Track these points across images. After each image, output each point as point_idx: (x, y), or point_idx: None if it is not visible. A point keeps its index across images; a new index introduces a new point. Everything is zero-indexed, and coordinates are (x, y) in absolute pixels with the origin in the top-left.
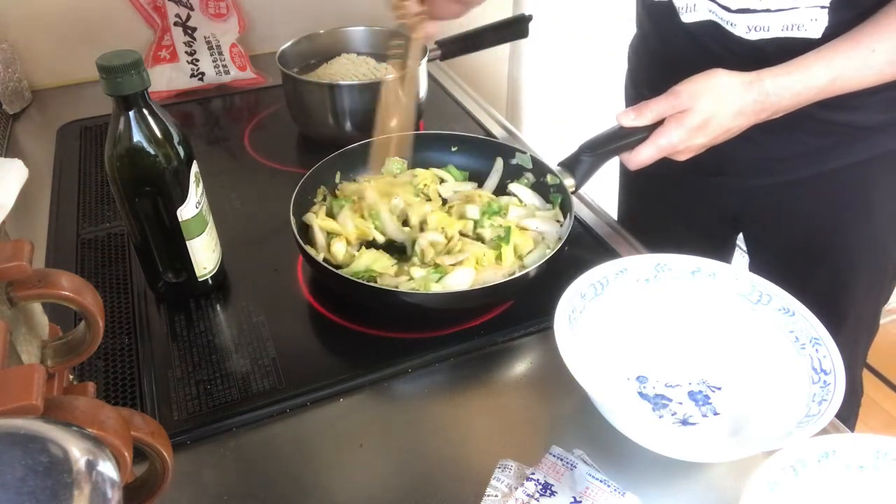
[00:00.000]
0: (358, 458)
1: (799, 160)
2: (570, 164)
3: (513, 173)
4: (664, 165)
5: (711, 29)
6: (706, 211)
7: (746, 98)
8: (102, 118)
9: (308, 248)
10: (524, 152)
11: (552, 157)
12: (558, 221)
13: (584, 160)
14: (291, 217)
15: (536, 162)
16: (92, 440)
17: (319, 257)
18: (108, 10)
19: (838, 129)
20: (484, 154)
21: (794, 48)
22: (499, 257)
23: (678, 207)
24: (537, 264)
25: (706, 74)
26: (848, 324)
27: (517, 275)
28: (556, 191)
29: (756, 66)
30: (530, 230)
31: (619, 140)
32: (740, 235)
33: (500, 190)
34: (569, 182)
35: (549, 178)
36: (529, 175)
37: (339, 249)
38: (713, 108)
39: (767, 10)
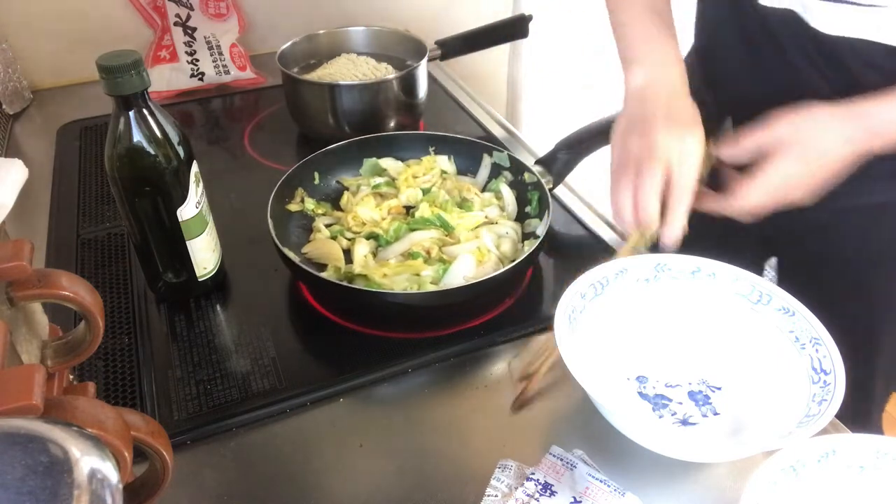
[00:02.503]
0: (358, 458)
1: (849, 187)
2: (548, 162)
3: (491, 172)
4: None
5: (789, 19)
6: (740, 229)
7: (853, 126)
8: (102, 118)
9: (286, 250)
10: (502, 150)
11: None
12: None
13: (561, 158)
14: (269, 220)
15: (514, 160)
16: (92, 440)
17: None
18: (108, 10)
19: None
20: (463, 153)
21: (873, 54)
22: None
23: (710, 224)
24: (517, 261)
25: (804, 109)
26: (880, 363)
27: (493, 273)
28: (533, 188)
29: (830, 70)
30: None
31: (594, 137)
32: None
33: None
34: (546, 179)
35: (526, 175)
36: (507, 173)
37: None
38: (822, 138)
39: (855, 4)
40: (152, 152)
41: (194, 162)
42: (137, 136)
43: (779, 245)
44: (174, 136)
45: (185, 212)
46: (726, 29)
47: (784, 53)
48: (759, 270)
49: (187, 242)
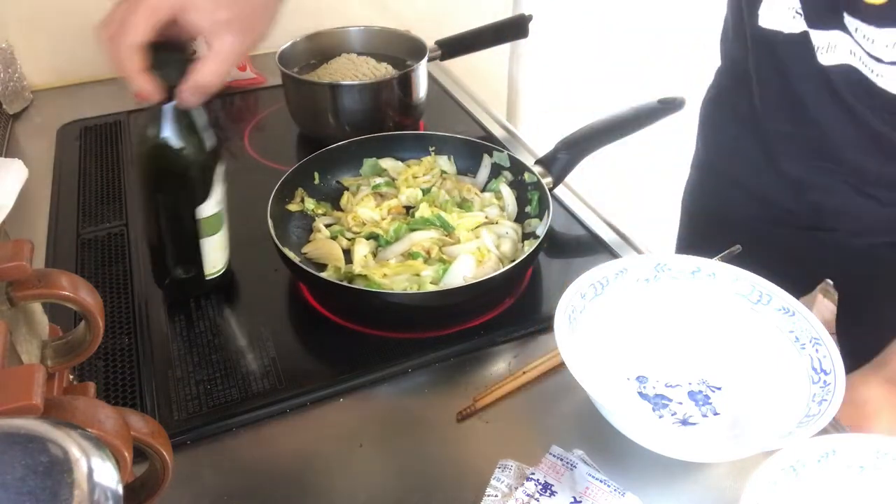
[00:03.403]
0: (358, 458)
1: None
2: (548, 162)
3: (491, 172)
4: (753, 216)
5: (849, 75)
6: (794, 262)
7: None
8: (102, 118)
9: (286, 250)
10: (502, 150)
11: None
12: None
13: (561, 158)
14: (269, 220)
15: (514, 160)
16: (92, 440)
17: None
18: (108, 11)
19: None
20: (463, 153)
21: None
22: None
23: (761, 256)
24: (517, 261)
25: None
26: None
27: (493, 273)
28: (533, 189)
29: (892, 120)
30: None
31: (594, 137)
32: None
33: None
34: (546, 180)
35: (526, 175)
36: (507, 173)
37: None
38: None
39: None
40: (185, 146)
41: (221, 160)
42: (173, 129)
43: (831, 267)
44: (208, 133)
45: (206, 209)
46: (773, 81)
47: (843, 104)
48: (811, 288)
49: (202, 240)
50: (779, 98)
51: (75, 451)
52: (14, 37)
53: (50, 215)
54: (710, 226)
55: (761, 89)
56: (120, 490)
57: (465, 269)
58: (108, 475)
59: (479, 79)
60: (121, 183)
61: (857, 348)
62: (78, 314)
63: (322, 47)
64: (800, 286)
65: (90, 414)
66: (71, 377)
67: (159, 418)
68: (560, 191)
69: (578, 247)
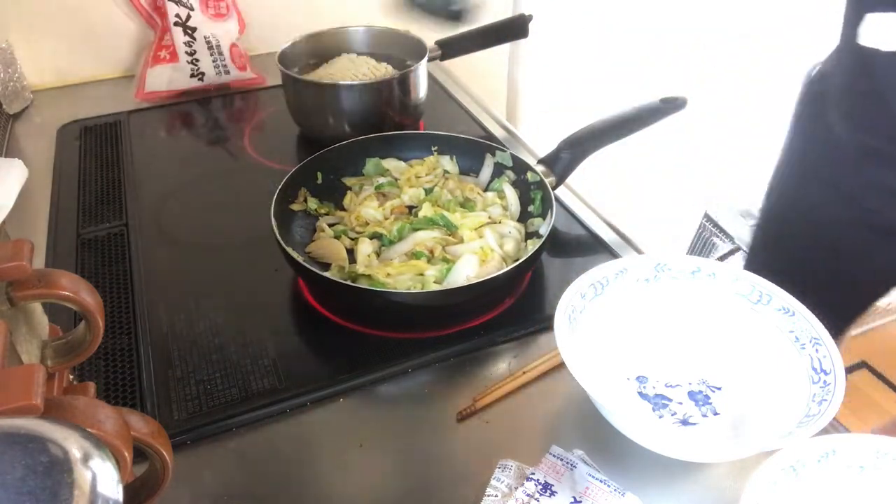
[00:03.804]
0: (358, 458)
1: None
2: (550, 162)
3: (494, 171)
4: (833, 215)
5: None
6: (866, 263)
7: None
8: (102, 118)
9: (290, 250)
10: (504, 150)
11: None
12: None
13: (564, 157)
14: (273, 219)
15: (517, 160)
16: (92, 440)
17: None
18: (108, 10)
19: None
20: (466, 153)
21: None
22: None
23: (838, 262)
24: (521, 260)
25: None
26: None
27: (496, 272)
28: (536, 188)
29: None
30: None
31: (597, 136)
32: None
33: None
34: (549, 179)
35: (529, 175)
36: (510, 173)
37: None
38: None
39: None
40: None
41: None
42: None
43: None
44: None
45: None
46: (869, 97)
47: None
48: (881, 295)
49: None
50: (872, 113)
51: (75, 452)
52: (14, 37)
53: (50, 215)
54: (789, 219)
55: (856, 102)
56: (120, 490)
57: (469, 269)
58: (108, 475)
59: (479, 79)
60: (121, 183)
61: None
62: (78, 314)
63: (322, 47)
64: (868, 291)
65: (90, 414)
66: (71, 377)
67: (159, 418)
68: (560, 191)
69: (578, 247)
